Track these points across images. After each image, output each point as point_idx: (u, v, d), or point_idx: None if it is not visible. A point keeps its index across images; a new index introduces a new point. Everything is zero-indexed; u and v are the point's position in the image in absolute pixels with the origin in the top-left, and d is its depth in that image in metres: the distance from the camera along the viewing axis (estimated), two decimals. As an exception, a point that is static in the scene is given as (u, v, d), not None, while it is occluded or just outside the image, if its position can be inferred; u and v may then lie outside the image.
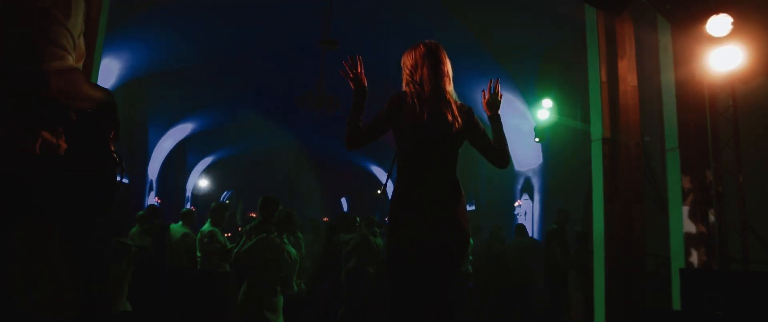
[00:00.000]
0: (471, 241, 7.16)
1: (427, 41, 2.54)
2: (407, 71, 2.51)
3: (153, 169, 13.99)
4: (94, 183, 1.55)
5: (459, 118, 2.42)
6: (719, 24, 4.03)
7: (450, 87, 2.49)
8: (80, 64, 1.61)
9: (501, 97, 2.66)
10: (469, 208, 2.58)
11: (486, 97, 2.66)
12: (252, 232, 4.66)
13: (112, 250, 4.53)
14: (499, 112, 2.64)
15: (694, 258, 4.29)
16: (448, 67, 2.51)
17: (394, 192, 2.43)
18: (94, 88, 1.61)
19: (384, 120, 2.43)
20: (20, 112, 1.42)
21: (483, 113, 2.70)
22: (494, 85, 2.66)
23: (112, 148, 1.61)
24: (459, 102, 2.51)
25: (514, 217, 10.82)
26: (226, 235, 6.76)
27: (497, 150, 2.54)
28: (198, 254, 6.22)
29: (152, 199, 13.63)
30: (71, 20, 1.52)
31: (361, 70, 2.50)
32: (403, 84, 2.53)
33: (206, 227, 6.14)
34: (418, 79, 2.45)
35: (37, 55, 1.42)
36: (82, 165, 1.53)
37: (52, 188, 1.46)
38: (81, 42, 1.59)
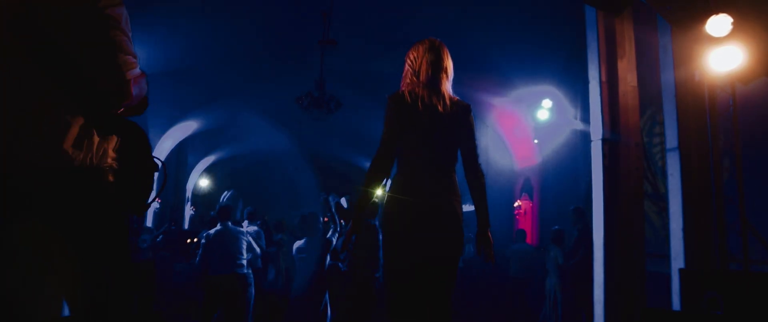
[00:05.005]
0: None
1: (432, 38, 2.58)
2: (409, 62, 2.56)
3: (153, 169, 13.94)
4: (141, 185, 1.70)
5: (450, 111, 2.43)
6: (719, 24, 4.02)
7: (447, 83, 2.51)
8: None
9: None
10: (468, 208, 2.56)
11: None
12: None
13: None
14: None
15: (694, 258, 4.29)
16: (448, 64, 2.53)
17: (390, 188, 2.44)
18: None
19: (396, 119, 2.41)
20: (100, 116, 1.56)
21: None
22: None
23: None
24: (455, 98, 2.52)
25: (513, 217, 10.81)
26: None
27: (477, 164, 2.49)
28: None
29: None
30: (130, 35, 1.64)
31: None
32: (402, 76, 2.57)
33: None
34: (416, 69, 2.51)
35: (119, 63, 1.56)
36: (135, 169, 1.69)
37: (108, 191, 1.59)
38: None
